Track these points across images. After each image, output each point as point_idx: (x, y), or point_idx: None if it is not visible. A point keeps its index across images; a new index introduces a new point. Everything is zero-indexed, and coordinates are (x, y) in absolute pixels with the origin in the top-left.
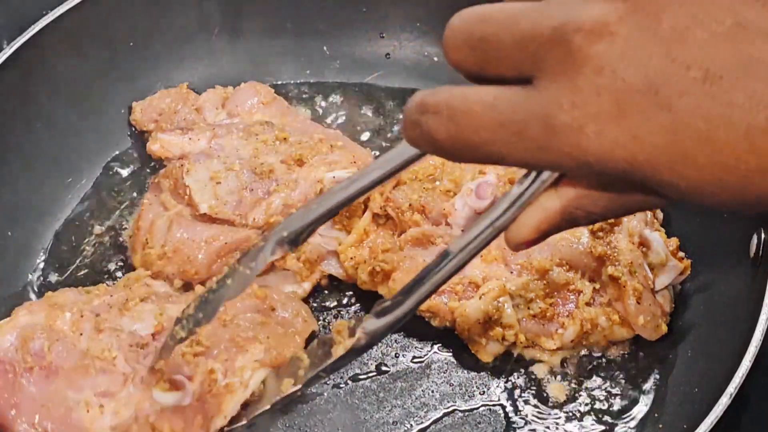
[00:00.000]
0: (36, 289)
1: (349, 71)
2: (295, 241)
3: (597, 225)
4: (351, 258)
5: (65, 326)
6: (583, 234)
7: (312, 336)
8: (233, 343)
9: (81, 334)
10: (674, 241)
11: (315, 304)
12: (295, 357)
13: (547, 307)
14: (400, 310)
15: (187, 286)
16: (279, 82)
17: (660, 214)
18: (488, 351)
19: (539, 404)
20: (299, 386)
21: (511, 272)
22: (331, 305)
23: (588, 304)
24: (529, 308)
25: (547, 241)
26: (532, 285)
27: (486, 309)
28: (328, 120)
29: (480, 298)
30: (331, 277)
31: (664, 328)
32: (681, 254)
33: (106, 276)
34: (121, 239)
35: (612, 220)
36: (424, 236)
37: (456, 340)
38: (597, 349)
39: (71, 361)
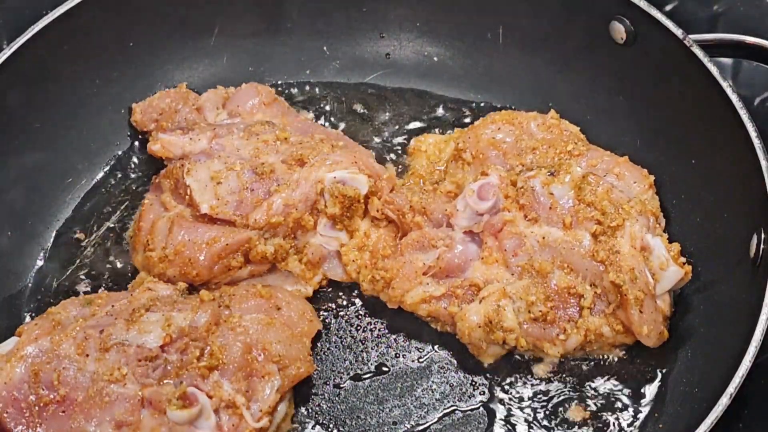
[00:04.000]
0: (36, 289)
1: (349, 71)
2: None
3: (599, 229)
4: (353, 261)
5: (71, 349)
6: (584, 237)
7: (317, 336)
8: (247, 363)
9: (87, 356)
10: (675, 247)
11: (315, 305)
12: None
13: (547, 310)
14: None
15: (191, 288)
16: (279, 82)
17: (663, 220)
18: (489, 354)
19: (540, 404)
20: None
21: (512, 274)
22: (331, 305)
23: (589, 308)
24: (529, 311)
25: (548, 243)
26: (532, 288)
27: (486, 312)
28: (329, 120)
29: (480, 301)
30: None
31: (666, 334)
32: (682, 259)
33: (106, 276)
34: (121, 239)
35: (614, 224)
36: (425, 239)
37: (456, 341)
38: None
39: (82, 389)
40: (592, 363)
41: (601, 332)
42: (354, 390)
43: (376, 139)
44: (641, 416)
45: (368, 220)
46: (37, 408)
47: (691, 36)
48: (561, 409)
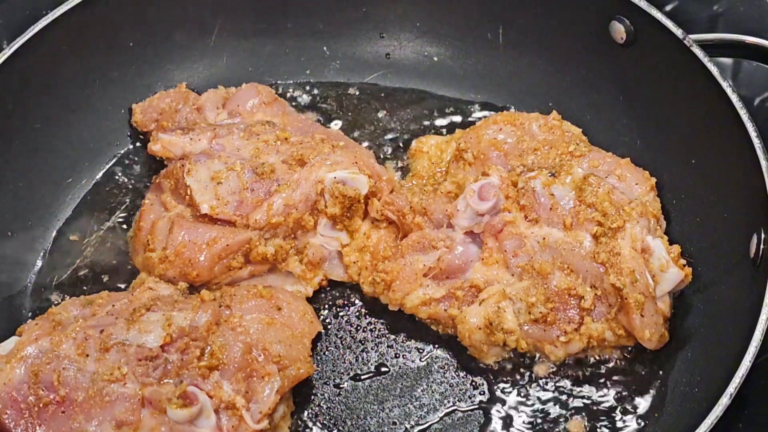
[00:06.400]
0: (36, 289)
1: (349, 71)
2: None
3: (600, 230)
4: (354, 262)
5: (71, 350)
6: (585, 238)
7: (318, 337)
8: (247, 363)
9: (87, 356)
10: (676, 248)
11: (315, 305)
12: None
13: (548, 311)
14: None
15: (192, 287)
16: (279, 82)
17: (663, 222)
18: (490, 355)
19: (540, 404)
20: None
21: (513, 275)
22: (332, 305)
23: (589, 309)
24: (530, 313)
25: (548, 244)
26: (533, 289)
27: (486, 314)
28: (329, 120)
29: (480, 303)
30: None
31: (667, 336)
32: (682, 261)
33: (106, 276)
34: (121, 240)
35: (614, 226)
36: (425, 240)
37: (456, 341)
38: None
39: (82, 389)
40: (593, 363)
41: (603, 337)
42: (354, 390)
43: (377, 140)
44: (641, 417)
45: (369, 220)
46: (36, 408)
47: (691, 36)
48: (561, 408)
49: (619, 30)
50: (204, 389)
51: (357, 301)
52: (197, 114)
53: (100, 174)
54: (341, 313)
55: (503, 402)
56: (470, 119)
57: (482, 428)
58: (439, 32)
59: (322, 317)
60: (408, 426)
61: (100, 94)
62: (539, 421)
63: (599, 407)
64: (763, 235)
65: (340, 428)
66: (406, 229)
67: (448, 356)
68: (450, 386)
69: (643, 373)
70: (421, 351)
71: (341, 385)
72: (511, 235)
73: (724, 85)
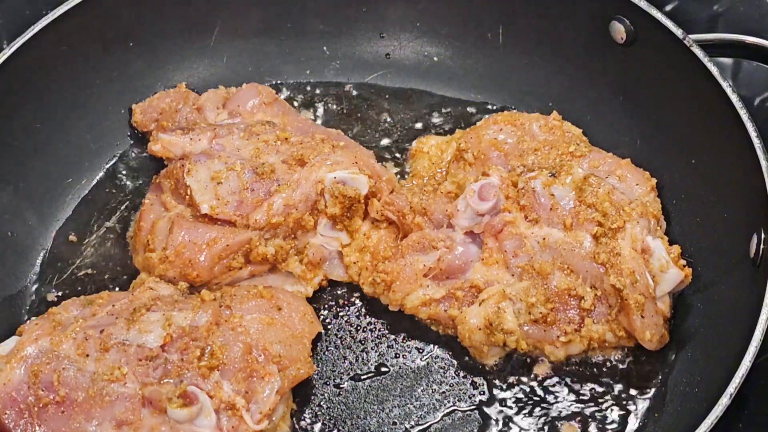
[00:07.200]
0: (36, 289)
1: (349, 71)
2: None
3: (600, 230)
4: (354, 263)
5: (71, 350)
6: (585, 238)
7: (318, 337)
8: (247, 364)
9: (87, 356)
10: (676, 249)
11: (315, 305)
12: None
13: (548, 312)
14: None
15: (192, 287)
16: (279, 82)
17: (663, 223)
18: (490, 356)
19: (540, 404)
20: None
21: (513, 275)
22: (332, 305)
23: (589, 310)
24: (530, 313)
25: (548, 244)
26: (532, 289)
27: (486, 315)
28: (329, 120)
29: (480, 304)
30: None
31: (667, 337)
32: (682, 262)
33: (106, 276)
34: (121, 240)
35: (614, 226)
36: (425, 240)
37: (456, 341)
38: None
39: (82, 389)
40: (593, 363)
41: (604, 339)
42: (354, 390)
43: (376, 140)
44: (641, 417)
45: (369, 221)
46: (36, 409)
47: (691, 36)
48: (561, 409)
49: (619, 30)
50: (204, 389)
51: (357, 301)
52: (197, 114)
53: (100, 174)
54: (341, 313)
55: (503, 402)
56: (470, 119)
57: (482, 428)
58: (439, 32)
59: (322, 317)
60: (408, 426)
61: (100, 94)
62: (539, 421)
63: (599, 407)
64: (763, 235)
65: (340, 428)
66: (406, 230)
67: (448, 356)
68: (450, 386)
69: (643, 373)
70: (421, 351)
71: (341, 385)
72: (511, 236)
73: (724, 85)
